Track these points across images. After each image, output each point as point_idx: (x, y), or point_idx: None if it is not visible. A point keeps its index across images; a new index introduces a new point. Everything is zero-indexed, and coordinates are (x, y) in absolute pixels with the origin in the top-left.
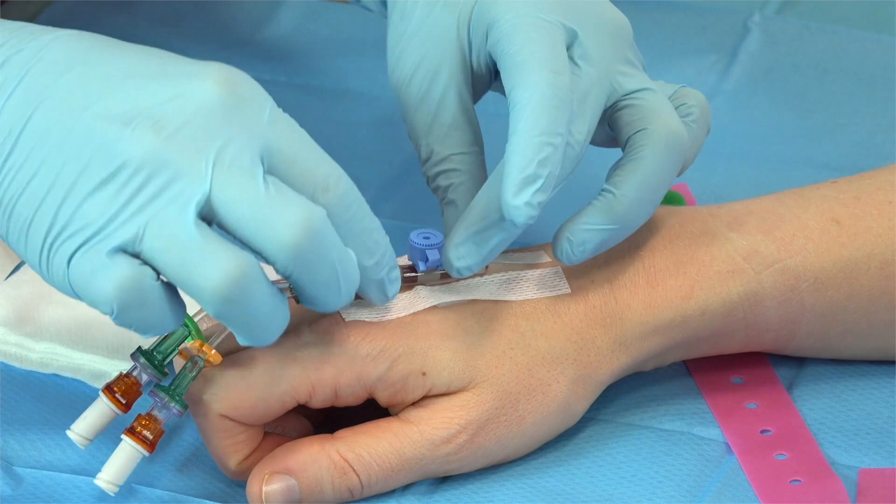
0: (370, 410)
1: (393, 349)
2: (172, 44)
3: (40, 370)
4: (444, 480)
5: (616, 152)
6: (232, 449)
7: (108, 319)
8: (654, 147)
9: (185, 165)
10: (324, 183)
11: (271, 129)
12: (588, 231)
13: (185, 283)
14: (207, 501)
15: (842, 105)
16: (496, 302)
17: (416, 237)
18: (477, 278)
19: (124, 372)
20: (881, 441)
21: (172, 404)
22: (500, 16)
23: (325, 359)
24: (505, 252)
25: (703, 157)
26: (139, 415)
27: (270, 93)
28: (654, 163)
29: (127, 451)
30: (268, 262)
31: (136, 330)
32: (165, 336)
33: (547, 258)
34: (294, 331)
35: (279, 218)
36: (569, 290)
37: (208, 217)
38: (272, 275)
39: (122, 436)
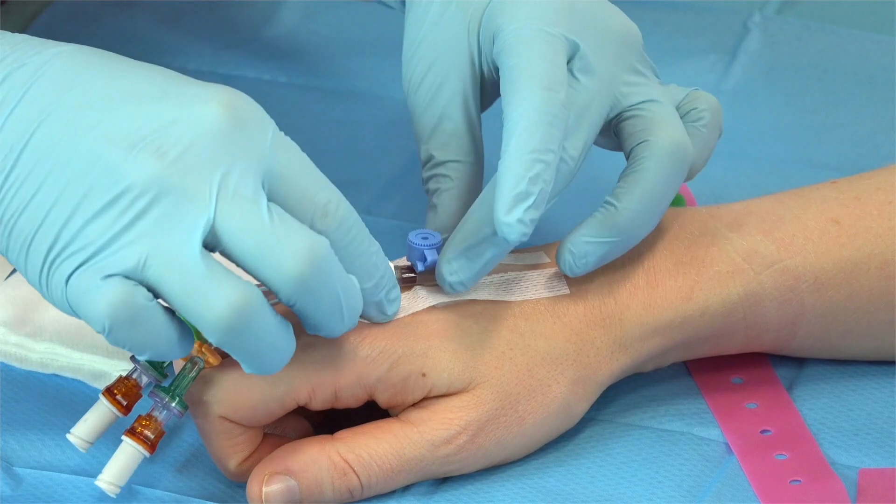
0: (370, 412)
1: (392, 350)
2: (173, 43)
3: (40, 370)
4: (444, 481)
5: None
6: (232, 450)
7: None
8: (656, 159)
9: (188, 192)
10: (323, 208)
11: (273, 153)
12: (589, 244)
13: (189, 312)
14: (207, 502)
15: (842, 105)
16: (495, 302)
17: (414, 237)
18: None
19: (124, 374)
20: (881, 441)
21: (172, 405)
22: (504, 25)
23: (324, 360)
24: None
25: None
26: (139, 415)
27: (270, 93)
28: (655, 175)
29: (128, 452)
30: (272, 291)
31: (130, 349)
32: None
33: (546, 259)
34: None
35: (284, 250)
36: (568, 291)
37: (211, 245)
38: None
39: (123, 437)
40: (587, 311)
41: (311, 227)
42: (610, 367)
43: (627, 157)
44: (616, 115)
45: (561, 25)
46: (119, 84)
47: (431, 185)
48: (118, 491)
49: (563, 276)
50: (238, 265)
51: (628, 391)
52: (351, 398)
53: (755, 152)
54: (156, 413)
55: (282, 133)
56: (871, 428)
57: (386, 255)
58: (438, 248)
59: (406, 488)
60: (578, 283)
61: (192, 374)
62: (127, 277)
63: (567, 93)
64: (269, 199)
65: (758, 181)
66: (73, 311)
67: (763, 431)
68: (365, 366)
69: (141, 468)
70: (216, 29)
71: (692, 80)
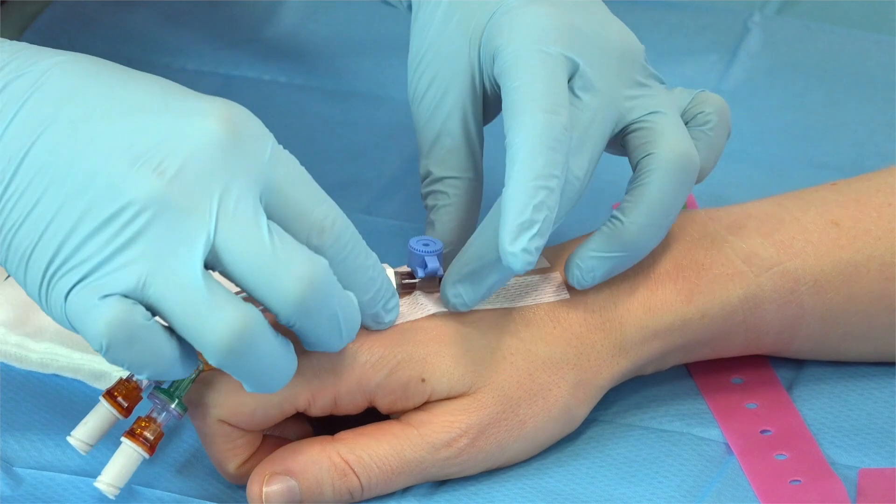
0: (371, 414)
1: (392, 356)
2: (172, 43)
3: (40, 370)
4: (443, 481)
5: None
6: (231, 453)
7: None
8: (661, 172)
9: (188, 210)
10: (320, 224)
11: (272, 168)
12: (597, 258)
13: (190, 333)
14: (207, 502)
15: (842, 105)
16: (495, 308)
17: (415, 243)
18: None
19: (124, 376)
20: (881, 441)
21: (172, 406)
22: (503, 45)
23: (324, 367)
24: None
25: None
26: (139, 417)
27: (270, 93)
28: (660, 188)
29: (127, 454)
30: (271, 312)
31: (128, 369)
32: None
33: (546, 263)
34: None
35: (284, 272)
36: (568, 296)
37: (211, 264)
38: None
39: (122, 438)
40: (587, 315)
41: (308, 242)
42: (610, 371)
43: (634, 170)
44: (622, 129)
45: (559, 44)
46: (118, 96)
47: (429, 202)
48: (117, 492)
49: (562, 281)
50: (237, 285)
51: (628, 392)
52: (350, 405)
53: (755, 152)
54: (155, 415)
55: (280, 147)
56: (871, 428)
57: (386, 254)
58: (439, 255)
59: (406, 489)
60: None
61: (192, 375)
62: (126, 296)
63: (569, 114)
64: (267, 214)
65: (758, 181)
66: (72, 327)
67: (763, 431)
68: (364, 372)
69: (141, 469)
70: (216, 29)
71: (692, 80)
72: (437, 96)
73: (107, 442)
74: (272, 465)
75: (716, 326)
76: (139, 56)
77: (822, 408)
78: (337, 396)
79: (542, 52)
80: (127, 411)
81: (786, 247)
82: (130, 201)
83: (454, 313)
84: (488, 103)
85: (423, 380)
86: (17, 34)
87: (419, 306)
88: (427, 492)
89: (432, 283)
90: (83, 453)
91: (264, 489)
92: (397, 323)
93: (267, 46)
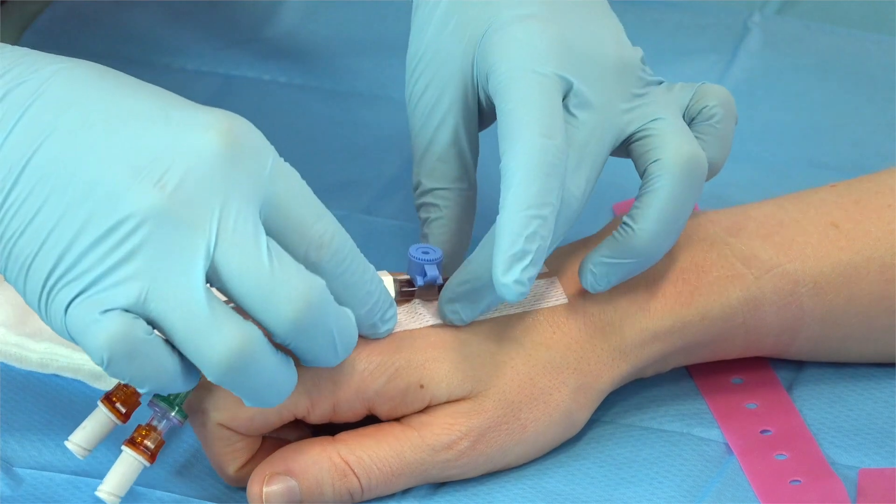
0: (371, 417)
1: (390, 363)
2: (173, 43)
3: (40, 370)
4: (443, 482)
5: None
6: (230, 456)
7: None
8: (669, 177)
9: (189, 225)
10: (318, 240)
11: (273, 182)
12: (609, 264)
13: (190, 350)
14: (207, 503)
15: (842, 105)
16: (493, 315)
17: (415, 252)
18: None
19: (123, 382)
20: (881, 441)
21: (172, 414)
22: (496, 65)
23: (322, 374)
24: None
25: None
26: (139, 425)
27: (270, 93)
28: (670, 194)
29: (127, 462)
30: (267, 331)
31: (130, 382)
32: None
33: (545, 269)
34: None
35: (280, 294)
36: (566, 300)
37: (210, 279)
38: None
39: (123, 447)
40: (587, 319)
41: (307, 257)
42: (611, 374)
43: (641, 177)
44: (624, 141)
45: (553, 63)
46: (119, 105)
47: (422, 214)
48: (118, 501)
49: (559, 286)
50: (234, 303)
51: (629, 393)
52: (349, 412)
53: (755, 152)
54: (155, 422)
55: (281, 160)
56: (871, 428)
57: (386, 254)
58: (439, 264)
59: (406, 490)
60: (576, 290)
61: None
62: (126, 311)
63: (564, 135)
64: (266, 228)
65: (758, 181)
66: (72, 339)
67: (763, 431)
68: (363, 379)
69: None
70: (216, 29)
71: (692, 80)
72: (431, 103)
73: (107, 443)
74: (272, 465)
75: (716, 328)
76: (139, 56)
77: (822, 408)
78: (336, 404)
79: (535, 73)
80: (125, 417)
81: (785, 249)
82: (131, 213)
83: None
84: (483, 112)
85: (421, 386)
86: (17, 34)
87: (418, 315)
88: (427, 493)
89: (431, 292)
90: (81, 458)
91: (264, 489)
92: (396, 331)
93: (267, 46)
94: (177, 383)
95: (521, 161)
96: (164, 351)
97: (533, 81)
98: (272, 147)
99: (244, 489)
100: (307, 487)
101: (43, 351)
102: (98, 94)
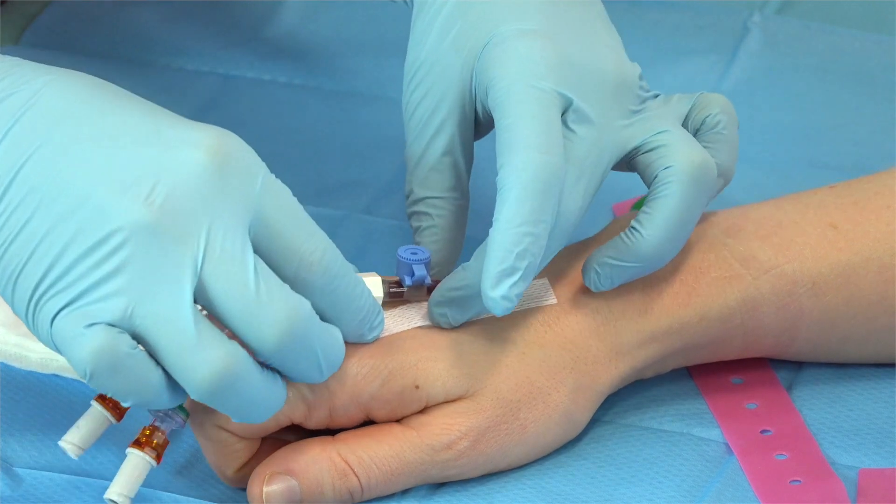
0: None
1: (383, 366)
2: (173, 43)
3: (40, 370)
4: (443, 482)
5: None
6: (229, 458)
7: None
8: (680, 184)
9: (177, 241)
10: (308, 259)
11: (262, 200)
12: (613, 266)
13: (173, 368)
14: (208, 502)
15: (842, 105)
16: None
17: (403, 252)
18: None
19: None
20: (881, 441)
21: (175, 414)
22: (496, 80)
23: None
24: None
25: None
26: (144, 427)
27: (270, 93)
28: (679, 201)
29: (135, 463)
30: (252, 350)
31: (113, 396)
32: None
33: None
34: None
35: (265, 315)
36: (555, 301)
37: (197, 297)
38: None
39: (129, 449)
40: (581, 319)
41: (296, 276)
42: (609, 375)
43: (650, 185)
44: (627, 155)
45: (552, 79)
46: (110, 120)
47: (414, 222)
48: (129, 503)
49: (550, 287)
50: (220, 321)
51: (629, 393)
52: (345, 418)
53: (755, 152)
54: (158, 423)
55: (272, 177)
56: (871, 428)
57: (385, 254)
58: (427, 263)
59: (406, 489)
60: (573, 292)
61: None
62: (112, 325)
63: (562, 152)
64: (255, 246)
65: (757, 181)
66: (57, 350)
67: (763, 431)
68: (356, 384)
69: None
70: (216, 29)
71: (692, 80)
72: (428, 112)
73: (107, 443)
74: (273, 465)
75: (714, 329)
76: (139, 56)
77: (822, 408)
78: (332, 409)
79: (535, 89)
80: (120, 415)
81: (784, 249)
82: (119, 228)
83: None
84: (480, 123)
85: (416, 386)
86: (17, 34)
87: (407, 317)
88: (427, 493)
89: (420, 292)
90: (74, 457)
91: (265, 489)
92: (386, 334)
93: (267, 46)
94: (161, 399)
95: (517, 177)
96: (149, 366)
97: (532, 97)
98: (263, 164)
99: (244, 489)
100: (307, 487)
101: (43, 351)
102: (89, 107)
